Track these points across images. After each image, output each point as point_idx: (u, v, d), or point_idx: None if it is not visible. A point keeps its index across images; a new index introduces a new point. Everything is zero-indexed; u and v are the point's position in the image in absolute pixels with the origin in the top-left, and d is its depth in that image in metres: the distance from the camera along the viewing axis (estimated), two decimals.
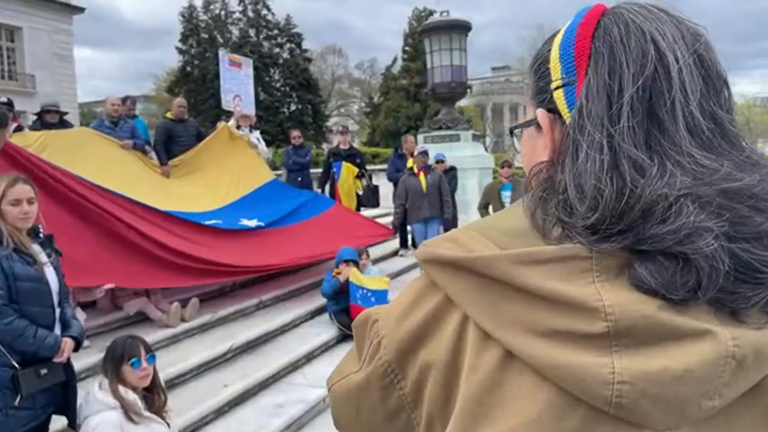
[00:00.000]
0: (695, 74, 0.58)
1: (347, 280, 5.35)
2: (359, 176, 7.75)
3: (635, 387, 0.50)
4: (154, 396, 2.51)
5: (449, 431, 0.59)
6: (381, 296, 5.49)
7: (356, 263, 5.55)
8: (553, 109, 0.64)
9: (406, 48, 31.97)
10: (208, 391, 4.02)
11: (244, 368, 4.40)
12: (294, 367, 4.69)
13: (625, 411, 0.51)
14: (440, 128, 11.76)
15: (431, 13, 33.29)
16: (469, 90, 12.30)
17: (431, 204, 7.27)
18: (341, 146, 8.10)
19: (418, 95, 30.83)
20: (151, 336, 4.11)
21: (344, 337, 5.38)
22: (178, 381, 4.01)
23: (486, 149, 15.86)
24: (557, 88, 0.64)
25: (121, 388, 2.36)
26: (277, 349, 4.86)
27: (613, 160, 0.56)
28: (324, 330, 5.39)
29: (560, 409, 0.53)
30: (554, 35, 0.68)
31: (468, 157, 10.91)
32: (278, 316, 5.40)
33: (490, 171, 12.22)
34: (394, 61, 42.52)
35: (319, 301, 5.82)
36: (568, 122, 0.62)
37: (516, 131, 0.77)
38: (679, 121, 0.56)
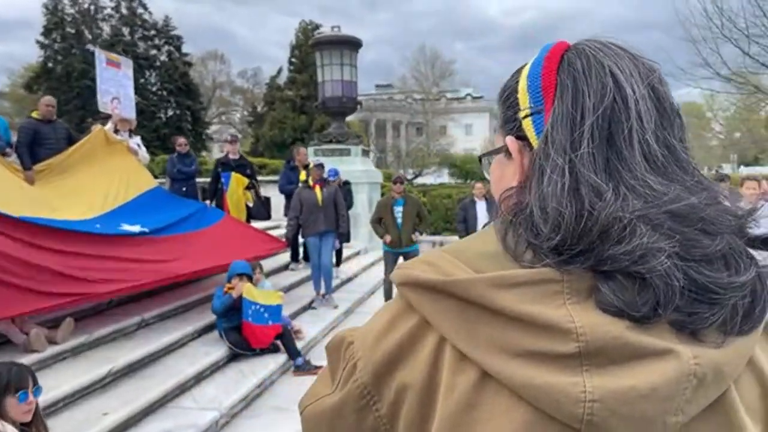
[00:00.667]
0: (650, 105, 0.62)
1: (240, 296, 5.12)
2: (249, 187, 7.49)
3: (605, 405, 0.52)
4: (32, 430, 2.21)
5: None
6: (275, 312, 5.33)
7: (250, 277, 5.34)
8: (522, 137, 0.68)
9: (293, 60, 31.80)
10: (84, 420, 3.62)
11: (126, 394, 4.03)
12: (182, 389, 4.38)
13: (595, 428, 0.53)
14: (330, 142, 11.80)
15: (317, 26, 33.42)
16: (359, 106, 12.48)
17: (327, 218, 7.22)
18: (230, 156, 7.80)
19: (304, 107, 30.73)
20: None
21: (234, 356, 5.14)
22: (48, 411, 3.56)
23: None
24: (526, 116, 0.67)
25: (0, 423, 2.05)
26: (162, 371, 4.51)
27: (574, 184, 0.59)
28: (214, 349, 5.11)
29: (535, 428, 0.54)
30: (521, 68, 0.73)
31: (358, 172, 11.03)
32: (163, 335, 5.02)
33: (379, 186, 12.45)
34: (280, 71, 42.04)
35: (208, 318, 5.52)
36: (535, 144, 0.65)
37: (485, 158, 0.80)
38: (635, 148, 0.60)
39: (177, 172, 7.98)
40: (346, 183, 8.78)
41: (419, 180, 36.81)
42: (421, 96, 50.00)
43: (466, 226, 8.58)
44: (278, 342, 5.32)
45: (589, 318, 0.55)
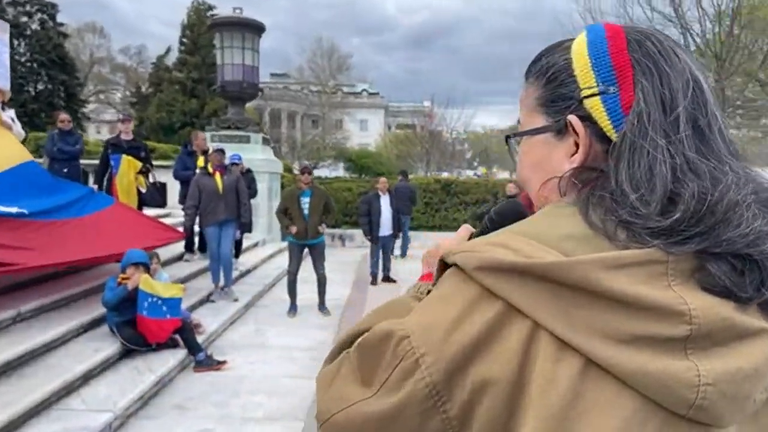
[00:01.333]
0: (714, 95, 0.64)
1: (136, 288, 4.74)
2: (142, 172, 6.96)
3: (717, 388, 0.53)
4: None
5: None
6: (174, 305, 5.01)
7: (147, 267, 4.96)
8: (583, 117, 0.65)
9: (184, 40, 30.03)
10: None
11: (5, 395, 3.57)
12: (68, 390, 3.97)
13: (703, 413, 0.53)
14: (229, 128, 11.30)
15: (210, 7, 31.88)
16: (260, 92, 12.07)
17: (228, 206, 6.90)
18: (123, 136, 7.17)
19: (195, 91, 29.22)
20: None
21: (128, 352, 4.76)
22: None
23: None
24: (591, 95, 0.65)
25: None
26: (45, 370, 4.06)
27: (685, 165, 0.58)
28: (104, 345, 4.68)
29: (643, 415, 0.53)
30: (560, 47, 0.71)
31: (258, 161, 10.69)
32: (44, 330, 4.52)
33: (279, 176, 12.15)
34: (168, 51, 39.61)
35: (96, 311, 5.06)
36: (607, 125, 0.64)
37: (515, 139, 0.77)
38: (716, 134, 0.62)
39: (57, 152, 7.20)
40: (249, 171, 8.47)
41: (315, 173, 36.51)
42: (317, 88, 49.57)
43: (369, 219, 8.65)
44: (177, 337, 5.00)
45: (699, 300, 0.54)
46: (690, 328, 0.53)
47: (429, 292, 0.73)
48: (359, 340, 0.68)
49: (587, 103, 0.65)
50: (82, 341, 4.74)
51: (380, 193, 8.86)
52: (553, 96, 0.69)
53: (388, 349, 0.62)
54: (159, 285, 4.94)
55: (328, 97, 48.66)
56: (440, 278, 0.65)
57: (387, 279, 9.03)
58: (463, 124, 35.73)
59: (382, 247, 8.87)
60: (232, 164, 7.60)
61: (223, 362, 4.99)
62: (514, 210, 0.90)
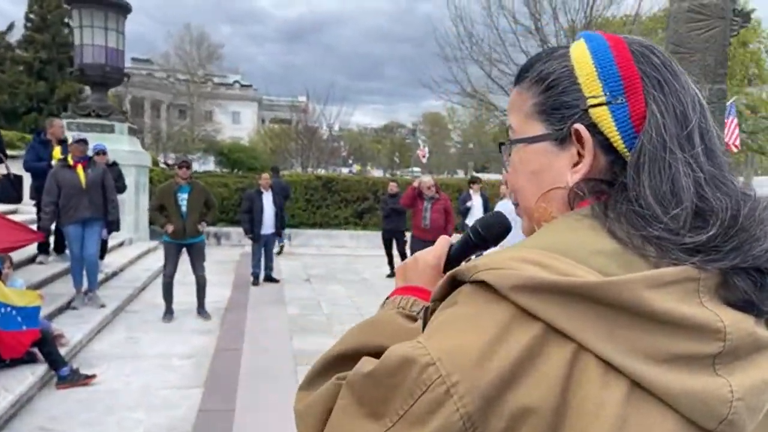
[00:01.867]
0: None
1: None
2: None
3: (745, 402, 0.54)
4: None
5: None
6: (31, 315, 4.43)
7: None
8: (588, 126, 0.64)
9: (31, 16, 26.75)
10: None
11: None
12: None
13: (731, 426, 0.54)
14: (89, 115, 10.26)
15: None
16: (127, 78, 11.10)
17: (92, 203, 6.25)
18: None
19: (44, 72, 26.20)
20: None
21: None
22: None
23: None
24: (599, 105, 0.64)
25: None
26: None
27: (704, 180, 0.59)
28: None
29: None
30: (554, 53, 0.70)
31: (124, 152, 9.85)
32: None
33: (147, 170, 11.31)
34: (11, 27, 35.14)
35: None
36: (616, 135, 0.63)
37: (507, 146, 0.75)
38: (717, 147, 0.63)
39: None
40: (114, 164, 7.74)
41: None
42: (185, 77, 46.89)
43: (251, 217, 8.34)
44: (35, 350, 4.43)
45: (729, 316, 0.55)
46: (723, 345, 0.54)
47: (430, 309, 0.67)
48: (369, 368, 0.59)
49: (593, 112, 0.64)
50: None
51: (262, 189, 8.57)
52: (555, 103, 0.67)
53: (409, 377, 0.55)
54: (12, 293, 4.34)
55: (197, 86, 46.27)
56: (457, 296, 0.59)
57: (269, 279, 8.77)
58: (341, 122, 35.93)
59: (264, 246, 8.59)
60: (96, 154, 6.88)
61: (92, 376, 4.50)
62: (500, 222, 0.88)
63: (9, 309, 4.27)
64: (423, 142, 56.89)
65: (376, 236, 13.08)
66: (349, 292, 8.34)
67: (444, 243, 0.88)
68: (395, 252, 9.62)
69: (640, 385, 0.52)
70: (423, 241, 7.99)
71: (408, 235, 9.14)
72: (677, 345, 0.53)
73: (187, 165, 6.43)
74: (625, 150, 0.63)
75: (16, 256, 6.45)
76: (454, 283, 0.62)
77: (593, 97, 0.64)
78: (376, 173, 57.84)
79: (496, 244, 0.91)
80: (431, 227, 7.83)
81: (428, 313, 0.69)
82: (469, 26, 21.03)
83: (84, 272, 6.23)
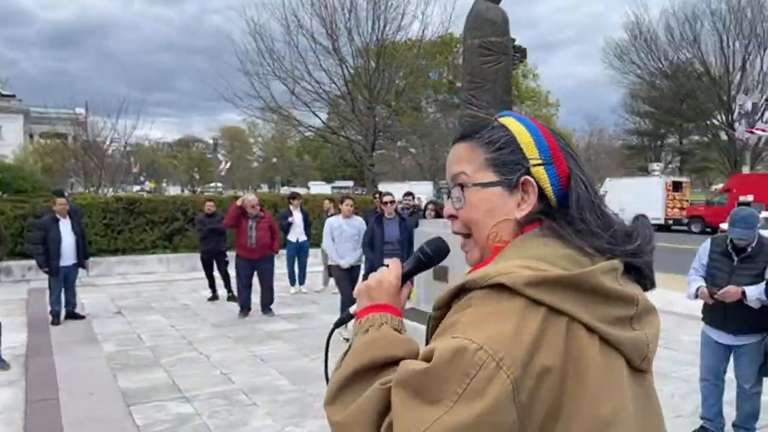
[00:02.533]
0: None
1: None
2: None
3: (651, 346, 0.88)
4: None
5: (587, 408, 0.75)
6: None
7: None
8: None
9: None
10: None
11: None
12: None
13: (646, 362, 0.88)
14: None
15: None
16: None
17: None
18: None
19: None
20: None
21: None
22: None
23: None
24: (538, 164, 0.94)
25: None
26: None
27: (613, 215, 0.95)
28: None
29: (626, 370, 0.84)
30: (490, 126, 0.98)
31: None
32: None
33: None
34: None
35: None
36: (548, 187, 0.93)
37: (467, 186, 0.97)
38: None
39: None
40: None
41: None
42: None
43: (46, 248, 7.40)
44: None
45: (636, 290, 0.88)
46: (636, 309, 0.86)
47: (434, 317, 0.87)
48: (422, 366, 0.74)
49: (534, 170, 0.93)
50: None
51: (59, 216, 7.62)
52: (506, 160, 0.93)
53: (463, 362, 0.71)
54: None
55: None
56: (470, 300, 0.79)
57: (72, 315, 7.79)
58: (129, 136, 32.88)
59: (64, 279, 7.63)
60: None
61: None
62: (444, 246, 1.10)
63: None
64: (224, 156, 55.07)
65: (188, 258, 12.45)
66: (170, 321, 7.84)
67: (398, 264, 1.07)
68: (216, 273, 9.29)
69: (606, 341, 0.80)
70: (248, 260, 7.92)
71: (229, 255, 8.94)
72: (618, 311, 0.83)
73: None
74: (553, 196, 0.93)
75: None
76: (458, 293, 0.83)
77: (534, 159, 0.93)
78: (173, 190, 54.30)
79: (439, 263, 1.13)
80: (257, 245, 7.79)
81: (432, 320, 0.89)
82: (270, 43, 21.21)
83: None
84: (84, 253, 7.91)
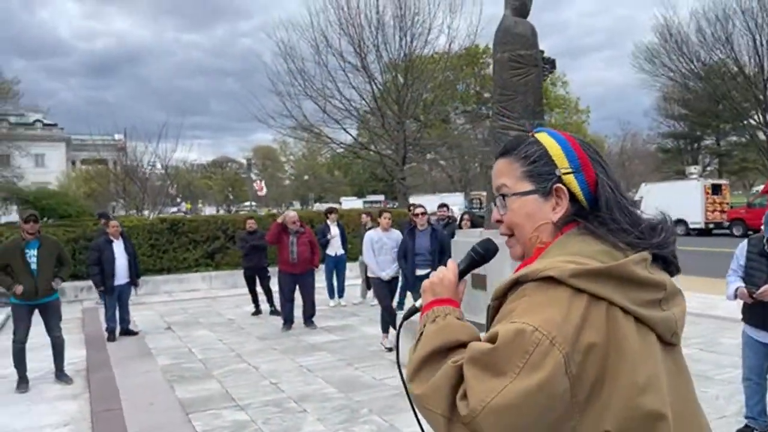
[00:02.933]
0: None
1: None
2: None
3: (679, 323, 1.05)
4: None
5: (627, 378, 0.91)
6: None
7: None
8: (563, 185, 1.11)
9: None
10: None
11: None
12: None
13: (676, 336, 1.04)
14: None
15: None
16: None
17: None
18: None
19: None
20: None
21: None
22: None
23: None
24: (568, 173, 1.10)
25: None
26: None
27: (638, 213, 1.11)
28: None
29: (657, 344, 1.00)
30: (526, 141, 1.15)
31: None
32: None
33: None
34: None
35: None
36: (578, 192, 1.09)
37: (508, 196, 1.15)
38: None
39: None
40: None
41: None
42: None
43: (101, 268, 7.82)
44: None
45: (664, 276, 1.05)
46: (665, 292, 1.03)
47: (492, 306, 1.05)
48: (488, 346, 0.92)
49: (565, 178, 1.10)
50: None
51: (112, 238, 8.07)
52: (539, 171, 1.11)
53: (523, 341, 0.88)
54: None
55: None
56: (525, 291, 0.97)
57: (127, 332, 8.19)
58: (166, 159, 33.99)
59: (118, 298, 8.05)
60: None
61: None
62: (494, 246, 1.28)
63: None
64: (256, 175, 56.13)
65: (230, 275, 12.85)
66: (217, 335, 8.16)
67: (455, 264, 1.24)
68: (259, 289, 9.60)
69: (640, 320, 0.96)
70: (291, 275, 8.19)
71: (271, 270, 9.24)
72: (649, 295, 0.99)
73: (35, 218, 5.91)
74: (584, 200, 1.09)
75: None
76: (512, 286, 1.01)
77: (564, 168, 1.10)
78: (208, 210, 55.64)
79: (489, 260, 1.31)
80: (299, 260, 8.07)
81: (490, 309, 1.07)
82: (300, 63, 21.75)
83: None
84: (136, 272, 8.32)
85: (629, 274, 0.95)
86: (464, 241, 6.13)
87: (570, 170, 1.08)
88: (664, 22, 34.55)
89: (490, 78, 27.52)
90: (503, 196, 1.15)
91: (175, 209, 48.58)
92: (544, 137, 1.14)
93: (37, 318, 5.93)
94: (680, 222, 25.49)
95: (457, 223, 8.70)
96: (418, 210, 7.20)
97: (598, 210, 1.07)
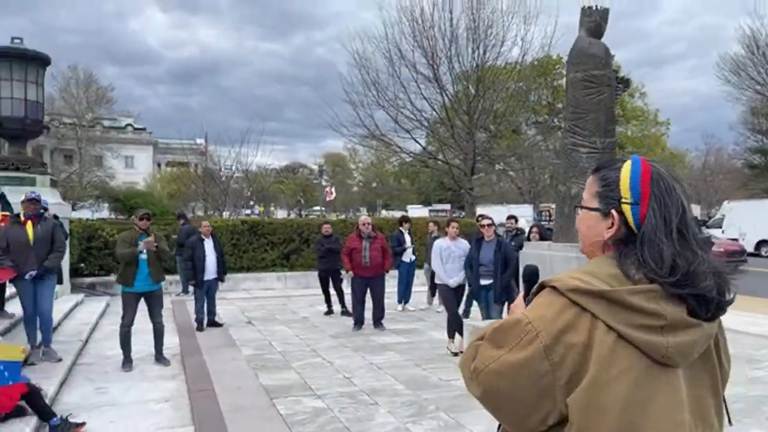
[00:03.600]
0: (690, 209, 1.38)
1: None
2: None
3: (675, 349, 1.16)
4: None
5: (592, 372, 1.07)
6: (14, 369, 4.57)
7: None
8: (619, 211, 1.30)
9: None
10: None
11: None
12: None
13: (669, 359, 1.18)
14: (7, 168, 9.96)
15: None
16: (47, 130, 10.88)
17: (39, 258, 6.32)
18: None
19: None
20: None
21: None
22: None
23: None
24: (626, 203, 1.24)
25: None
26: None
27: (677, 251, 1.24)
28: None
29: (644, 361, 1.10)
30: (615, 166, 1.34)
31: (50, 205, 9.61)
32: None
33: (68, 222, 11.04)
34: None
35: None
36: (630, 221, 1.26)
37: (580, 207, 1.41)
38: (691, 235, 1.30)
39: None
40: (55, 217, 7.70)
41: (75, 214, 32.76)
42: (71, 120, 44.45)
43: (193, 264, 8.57)
44: (23, 404, 4.52)
45: (670, 308, 1.18)
46: (665, 321, 1.11)
47: (529, 300, 1.33)
48: (495, 326, 1.21)
49: (623, 206, 1.24)
50: None
51: (203, 236, 8.84)
52: (606, 194, 1.32)
53: (518, 327, 1.15)
54: (2, 348, 4.45)
55: (84, 130, 43.96)
56: (541, 293, 1.23)
57: (213, 323, 8.95)
58: (240, 164, 35.83)
59: (207, 292, 8.81)
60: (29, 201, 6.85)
61: (82, 424, 4.66)
62: (534, 269, 1.59)
63: None
64: (327, 181, 57.64)
65: (303, 276, 13.54)
66: (293, 331, 8.75)
67: (520, 296, 1.54)
68: (332, 290, 10.15)
69: (622, 337, 1.09)
70: (363, 278, 8.67)
71: (344, 273, 9.76)
72: (641, 320, 1.10)
73: (148, 216, 6.68)
74: (634, 228, 1.23)
75: None
76: (540, 288, 1.28)
77: (625, 198, 1.25)
78: (280, 214, 57.71)
79: (538, 279, 1.63)
80: (371, 264, 8.53)
81: (528, 303, 1.38)
82: (375, 75, 22.41)
83: (38, 327, 6.22)
84: (223, 268, 9.07)
85: (620, 300, 1.11)
86: (532, 253, 6.36)
87: (629, 201, 1.24)
88: (750, 33, 32.83)
89: (562, 89, 27.18)
90: (579, 206, 1.41)
91: (248, 212, 50.73)
92: (626, 166, 1.28)
93: (140, 305, 6.69)
94: (765, 243, 24.11)
95: (526, 235, 8.87)
96: (485, 222, 7.44)
97: (638, 238, 1.22)
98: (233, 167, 35.78)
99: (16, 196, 7.79)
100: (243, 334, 8.51)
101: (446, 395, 5.60)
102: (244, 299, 11.97)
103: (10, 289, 7.27)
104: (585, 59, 6.13)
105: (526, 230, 9.32)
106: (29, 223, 6.39)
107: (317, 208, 56.29)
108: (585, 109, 6.11)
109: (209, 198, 33.38)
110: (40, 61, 10.49)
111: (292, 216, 49.72)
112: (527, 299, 1.36)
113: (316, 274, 10.54)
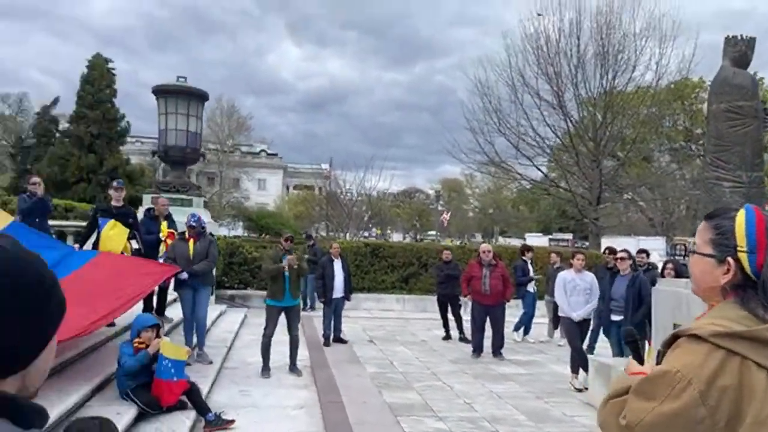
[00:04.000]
0: None
1: (157, 352, 4.95)
2: (129, 238, 7.05)
3: None
4: None
5: (752, 410, 1.14)
6: (180, 367, 5.25)
7: (158, 330, 5.18)
8: (735, 259, 1.36)
9: (83, 93, 28.80)
10: None
11: None
12: None
13: None
14: (170, 191, 11.40)
15: (107, 61, 31.04)
16: (203, 157, 12.33)
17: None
18: (113, 203, 7.26)
19: (93, 146, 27.92)
20: None
21: (140, 415, 4.89)
22: None
23: None
24: (742, 251, 1.31)
25: None
26: None
27: None
28: (121, 409, 4.78)
29: None
30: (728, 215, 1.41)
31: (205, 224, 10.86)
32: (59, 396, 4.56)
33: (216, 239, 12.31)
34: (56, 101, 37.74)
35: (102, 374, 5.13)
36: (747, 268, 1.32)
37: (694, 252, 1.47)
38: None
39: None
40: (211, 235, 8.71)
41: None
42: (215, 146, 49.12)
43: (323, 282, 9.18)
44: (184, 398, 5.20)
45: None
46: None
47: (661, 353, 1.39)
48: (647, 379, 1.25)
49: (740, 254, 1.31)
50: (95, 406, 4.81)
51: (333, 257, 9.46)
52: (721, 242, 1.39)
53: (668, 377, 1.20)
54: (172, 347, 5.17)
55: (225, 155, 48.26)
56: (679, 344, 1.28)
57: (338, 340, 9.49)
58: (363, 188, 37.44)
59: (334, 309, 9.38)
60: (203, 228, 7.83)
61: (231, 421, 5.24)
62: (633, 332, 1.65)
63: (168, 362, 5.09)
64: (443, 206, 57.94)
65: (421, 300, 13.84)
66: (413, 353, 9.02)
67: (630, 359, 1.60)
68: (450, 315, 10.31)
69: None
70: (483, 305, 8.75)
71: (462, 299, 9.90)
72: None
73: (291, 238, 7.38)
74: (752, 275, 1.30)
75: (123, 318, 7.32)
76: (673, 340, 1.37)
77: (741, 246, 1.31)
78: (395, 237, 58.96)
79: (641, 340, 1.71)
80: (491, 292, 8.60)
81: (660, 354, 1.45)
82: (496, 102, 22.46)
83: (194, 332, 7.07)
84: (350, 288, 9.62)
85: (760, 337, 1.20)
86: (667, 290, 6.10)
87: (744, 250, 1.31)
88: None
89: (702, 114, 25.19)
90: (693, 251, 1.49)
91: (366, 234, 52.39)
92: (741, 215, 1.35)
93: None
94: None
95: (659, 270, 8.45)
96: (622, 254, 7.24)
97: (759, 285, 1.29)
98: (355, 191, 37.53)
99: (178, 215, 8.94)
100: (366, 351, 8.94)
101: (570, 431, 5.52)
102: (366, 318, 12.49)
103: (171, 296, 8.32)
104: (729, 90, 5.86)
105: (659, 265, 8.87)
106: (191, 241, 7.32)
107: (432, 232, 56.75)
108: (729, 141, 5.81)
109: (333, 220, 35.09)
110: (200, 97, 11.95)
111: (408, 240, 50.53)
112: (658, 357, 1.39)
113: (433, 298, 10.79)
